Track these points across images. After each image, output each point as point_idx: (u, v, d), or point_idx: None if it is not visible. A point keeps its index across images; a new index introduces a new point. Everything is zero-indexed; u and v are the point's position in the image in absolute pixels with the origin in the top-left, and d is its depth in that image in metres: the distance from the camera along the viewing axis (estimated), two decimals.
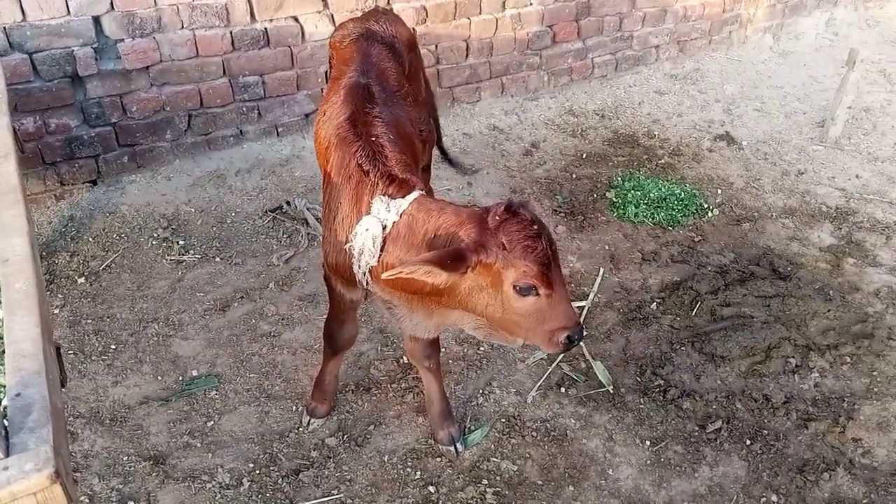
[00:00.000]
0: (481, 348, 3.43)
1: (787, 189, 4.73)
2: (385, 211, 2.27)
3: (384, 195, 2.31)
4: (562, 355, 3.37)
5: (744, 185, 4.75)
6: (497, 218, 2.11)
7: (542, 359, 3.38)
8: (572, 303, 3.63)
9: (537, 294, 2.12)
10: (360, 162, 2.37)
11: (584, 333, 2.23)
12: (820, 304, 3.70)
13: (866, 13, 6.94)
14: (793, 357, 3.38)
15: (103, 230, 4.06)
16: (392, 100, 2.72)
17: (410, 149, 2.66)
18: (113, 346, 3.38)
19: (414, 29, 4.48)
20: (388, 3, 4.59)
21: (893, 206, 4.58)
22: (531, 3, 5.13)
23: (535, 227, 2.09)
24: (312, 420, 3.04)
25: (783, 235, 4.28)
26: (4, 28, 3.66)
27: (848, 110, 5.21)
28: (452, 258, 2.09)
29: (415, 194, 2.29)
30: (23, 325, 1.65)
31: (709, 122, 5.46)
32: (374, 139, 2.42)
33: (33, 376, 1.52)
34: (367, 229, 2.28)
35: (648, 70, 6.03)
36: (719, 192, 4.66)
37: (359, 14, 4.46)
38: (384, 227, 2.27)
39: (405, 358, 3.34)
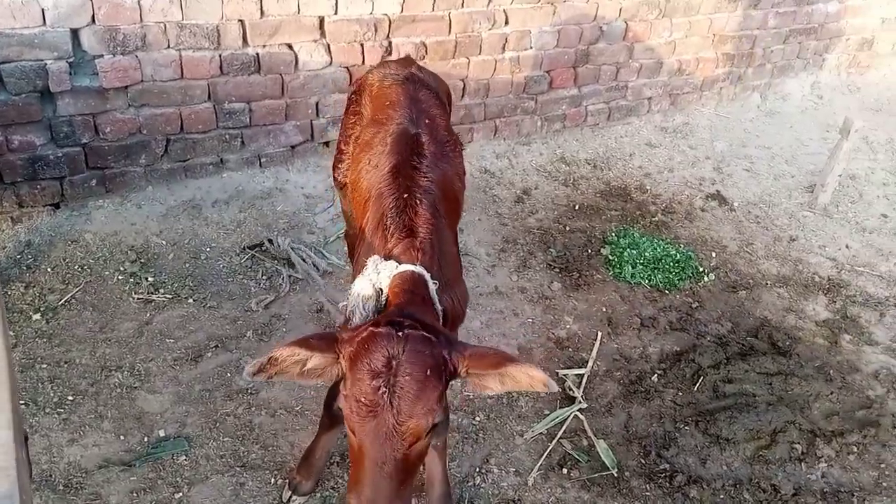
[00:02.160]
0: (477, 418, 3.21)
1: (779, 256, 4.66)
2: (375, 273, 2.02)
3: (383, 255, 2.07)
4: (561, 430, 3.17)
5: (737, 250, 4.66)
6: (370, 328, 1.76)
7: (541, 434, 3.17)
8: (572, 369, 3.52)
9: (352, 432, 1.73)
10: (386, 214, 2.15)
11: None
12: (822, 385, 3.59)
13: (848, 78, 7.03)
14: (798, 443, 3.25)
15: (64, 260, 3.71)
16: (441, 152, 2.46)
17: (454, 209, 2.45)
18: (70, 398, 3.03)
19: None
20: (388, 37, 4.38)
21: (884, 281, 4.54)
22: (531, 47, 4.99)
23: (379, 361, 1.68)
24: (294, 497, 2.75)
25: (779, 306, 4.19)
26: None
27: (837, 178, 5.19)
28: (320, 338, 1.79)
29: (408, 267, 2.00)
30: None
31: (700, 180, 5.39)
32: (409, 195, 2.19)
33: (3, 501, 1.24)
34: (358, 293, 2.02)
35: (640, 121, 5.95)
36: (714, 255, 4.56)
37: (356, 45, 4.28)
38: (380, 291, 2.01)
39: None
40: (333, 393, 2.58)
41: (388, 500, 1.67)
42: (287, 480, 2.79)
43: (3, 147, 3.61)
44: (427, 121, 2.53)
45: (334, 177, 3.01)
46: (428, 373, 1.68)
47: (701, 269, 4.39)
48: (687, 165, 5.56)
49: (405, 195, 2.20)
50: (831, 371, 3.71)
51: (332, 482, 2.84)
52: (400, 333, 1.71)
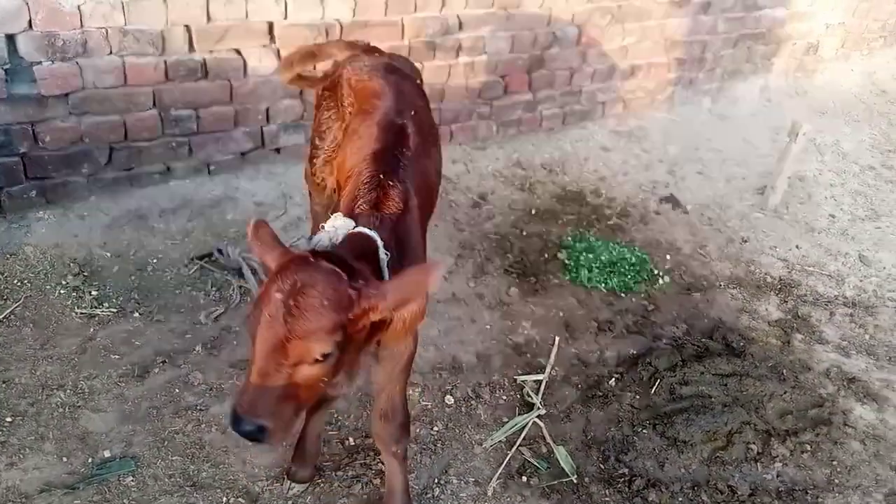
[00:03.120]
0: (435, 428, 3.16)
1: (732, 257, 4.72)
2: (333, 228, 2.11)
3: (345, 214, 2.18)
4: (520, 438, 3.14)
5: (691, 252, 4.71)
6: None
7: (500, 441, 3.14)
8: (530, 375, 3.49)
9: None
10: (359, 188, 2.28)
11: (251, 435, 1.80)
12: (775, 384, 3.63)
13: (796, 83, 7.19)
14: (754, 444, 3.27)
15: (2, 274, 3.55)
16: (423, 145, 2.55)
17: (427, 202, 2.55)
18: (9, 419, 2.89)
19: None
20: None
21: (832, 280, 4.63)
22: (485, 52, 4.98)
23: (286, 281, 1.79)
24: (293, 485, 2.76)
25: (733, 307, 4.24)
26: None
27: (787, 180, 5.30)
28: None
29: (362, 229, 2.11)
30: None
31: (654, 183, 5.44)
32: (385, 178, 2.30)
33: None
34: (315, 243, 2.08)
35: (594, 125, 5.98)
36: (668, 257, 4.59)
37: None
38: (334, 245, 2.07)
39: (351, 439, 3.03)
40: None
41: (263, 410, 1.76)
42: (284, 470, 2.79)
43: None
44: (412, 112, 2.60)
45: (311, 172, 3.04)
46: (325, 302, 1.76)
47: (656, 272, 4.42)
48: (641, 169, 5.61)
49: (380, 176, 2.29)
50: (784, 371, 3.76)
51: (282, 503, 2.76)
52: (312, 261, 1.82)
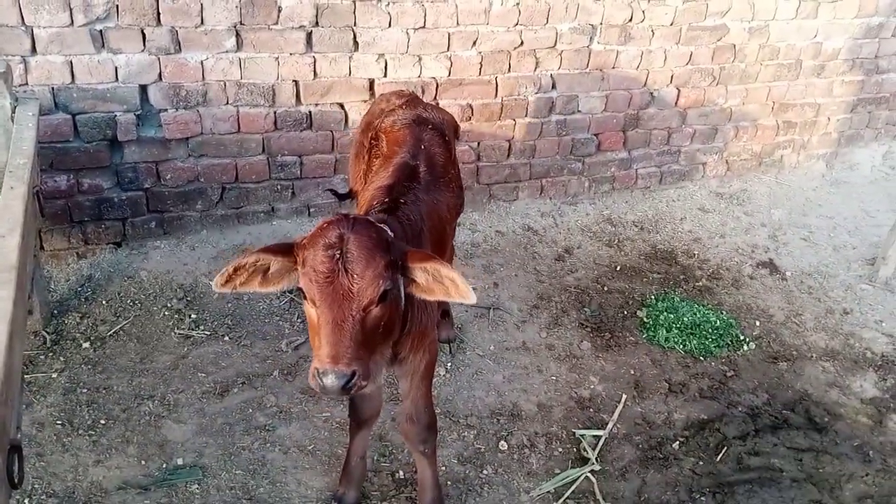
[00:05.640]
0: (484, 472, 3.21)
1: (830, 329, 4.46)
2: None
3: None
4: (569, 491, 3.13)
5: (784, 320, 4.50)
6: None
7: (548, 492, 3.13)
8: (590, 430, 3.47)
9: (313, 304, 1.97)
10: (372, 206, 2.49)
11: (343, 384, 1.88)
12: (858, 465, 3.39)
13: None
14: None
15: (118, 294, 4.00)
16: (436, 183, 2.81)
17: (439, 232, 2.75)
18: (102, 421, 3.24)
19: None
20: (435, 99, 4.58)
21: None
22: (579, 111, 5.09)
23: (332, 237, 1.95)
24: None
25: (822, 380, 4.00)
26: (53, 89, 3.73)
27: None
28: (280, 245, 2.10)
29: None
30: None
31: (752, 247, 5.26)
32: (396, 202, 2.49)
33: None
34: None
35: (693, 186, 5.90)
36: (757, 323, 4.42)
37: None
38: None
39: (401, 472, 3.14)
40: (354, 401, 2.77)
41: (351, 354, 1.89)
42: (332, 494, 2.96)
43: (74, 189, 3.99)
44: (427, 156, 2.88)
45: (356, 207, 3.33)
46: (374, 244, 1.96)
47: (742, 338, 4.26)
48: (740, 232, 5.45)
49: (392, 196, 2.53)
50: (871, 452, 3.50)
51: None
52: (350, 217, 2.01)
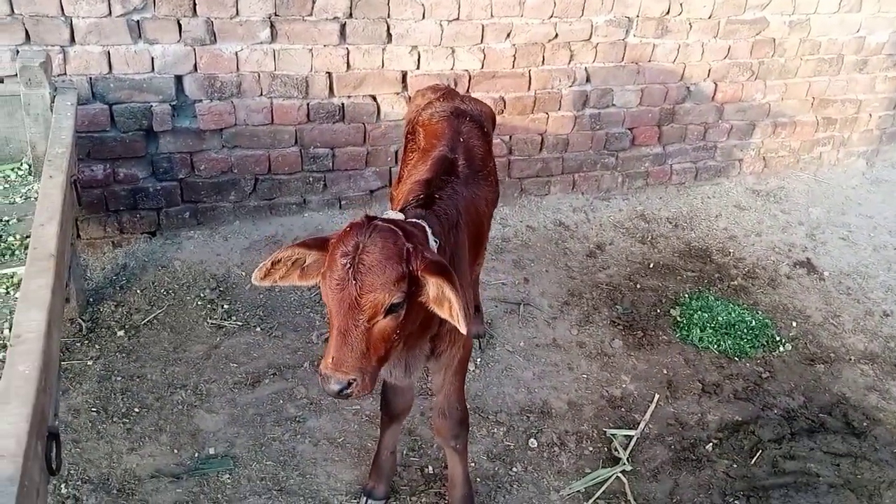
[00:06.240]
0: (514, 469, 3.18)
1: (869, 331, 4.36)
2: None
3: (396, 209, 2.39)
4: (600, 491, 3.09)
5: (822, 321, 4.41)
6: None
7: (578, 492, 3.10)
8: (621, 430, 3.43)
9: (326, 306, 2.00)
10: (409, 200, 2.47)
11: (339, 390, 1.94)
12: None
13: None
14: None
15: (152, 283, 4.04)
16: (474, 177, 2.82)
17: (477, 226, 2.74)
18: (136, 410, 3.28)
19: None
20: (468, 91, 4.55)
21: None
22: (613, 105, 5.02)
23: (349, 244, 1.94)
24: (370, 502, 2.91)
25: (861, 384, 3.91)
26: (90, 79, 3.76)
27: None
28: (315, 239, 2.09)
29: (412, 219, 2.26)
30: (11, 418, 1.54)
31: (790, 246, 5.15)
32: (432, 194, 2.49)
33: (4, 483, 1.40)
34: None
35: (730, 182, 5.79)
36: (794, 324, 4.33)
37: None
38: None
39: (431, 468, 3.13)
40: (387, 387, 2.77)
41: (349, 366, 1.93)
42: (362, 488, 2.96)
43: (110, 178, 4.03)
44: (465, 149, 2.89)
45: (390, 197, 3.35)
46: (387, 256, 1.93)
47: (778, 338, 4.18)
48: (777, 230, 5.34)
49: (430, 190, 2.52)
50: None
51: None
52: (370, 224, 2.00)
